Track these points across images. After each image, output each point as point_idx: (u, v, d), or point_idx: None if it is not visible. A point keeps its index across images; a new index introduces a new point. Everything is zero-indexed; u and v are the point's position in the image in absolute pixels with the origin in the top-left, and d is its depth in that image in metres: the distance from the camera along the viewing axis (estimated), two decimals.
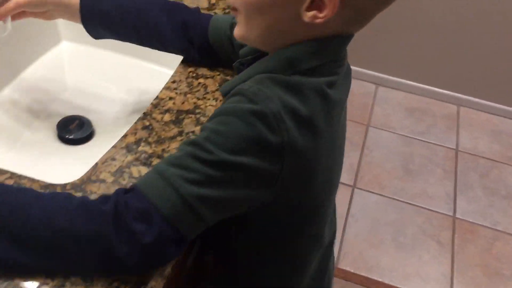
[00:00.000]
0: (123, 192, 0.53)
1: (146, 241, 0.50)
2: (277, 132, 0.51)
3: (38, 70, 1.01)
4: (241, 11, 0.57)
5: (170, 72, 1.03)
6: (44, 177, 0.66)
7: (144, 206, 0.51)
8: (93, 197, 0.63)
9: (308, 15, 0.53)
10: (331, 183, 0.66)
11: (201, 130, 0.54)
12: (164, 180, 0.51)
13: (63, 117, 0.93)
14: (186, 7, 0.79)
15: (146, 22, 0.75)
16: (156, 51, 0.89)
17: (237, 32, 0.59)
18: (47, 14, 0.78)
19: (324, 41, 0.55)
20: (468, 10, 1.93)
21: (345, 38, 0.58)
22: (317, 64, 0.55)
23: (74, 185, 0.64)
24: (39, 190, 0.63)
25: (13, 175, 0.64)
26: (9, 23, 0.76)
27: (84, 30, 1.07)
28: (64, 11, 0.77)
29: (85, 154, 0.90)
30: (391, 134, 2.04)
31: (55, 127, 0.92)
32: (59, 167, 0.86)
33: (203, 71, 0.84)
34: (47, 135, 0.92)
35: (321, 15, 0.52)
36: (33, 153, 0.89)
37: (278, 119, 0.51)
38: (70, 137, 0.91)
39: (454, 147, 2.01)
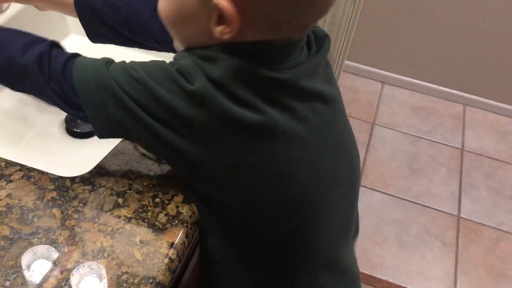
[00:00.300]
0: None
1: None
2: (192, 82, 0.52)
3: None
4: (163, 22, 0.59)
5: None
6: (53, 170, 0.66)
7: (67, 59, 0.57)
8: (101, 190, 0.63)
9: (217, 30, 0.52)
10: (319, 177, 0.62)
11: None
12: (96, 64, 0.57)
13: None
14: None
15: (136, 16, 0.74)
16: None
17: (174, 41, 0.61)
18: (38, 7, 0.79)
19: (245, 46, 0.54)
20: (476, 8, 1.92)
21: (278, 51, 0.55)
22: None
23: (83, 178, 0.64)
24: (49, 183, 0.63)
25: (22, 167, 0.65)
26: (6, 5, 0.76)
27: None
28: (58, 8, 0.77)
29: (92, 147, 0.90)
30: (397, 132, 2.03)
31: (63, 120, 0.93)
32: (68, 160, 0.87)
33: None
34: (55, 128, 0.92)
35: (227, 29, 0.52)
36: (42, 146, 0.89)
37: (193, 71, 0.53)
38: (78, 130, 0.92)
39: (460, 147, 2.00)
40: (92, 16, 0.74)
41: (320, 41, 0.61)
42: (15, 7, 0.95)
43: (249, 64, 0.53)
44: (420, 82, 2.19)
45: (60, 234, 0.58)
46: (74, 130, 0.91)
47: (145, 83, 0.53)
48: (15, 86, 0.63)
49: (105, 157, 0.68)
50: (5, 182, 0.62)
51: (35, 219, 0.59)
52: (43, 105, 0.96)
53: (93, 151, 0.89)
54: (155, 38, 0.73)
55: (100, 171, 0.66)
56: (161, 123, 0.54)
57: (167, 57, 0.94)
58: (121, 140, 0.71)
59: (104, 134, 0.58)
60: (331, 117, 0.61)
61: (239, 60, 0.52)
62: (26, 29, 0.96)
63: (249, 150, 0.55)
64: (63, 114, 0.93)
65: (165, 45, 0.75)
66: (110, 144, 0.86)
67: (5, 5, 0.80)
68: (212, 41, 0.53)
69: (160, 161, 0.68)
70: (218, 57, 0.53)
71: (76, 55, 0.59)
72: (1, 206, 0.60)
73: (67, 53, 0.59)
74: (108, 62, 0.57)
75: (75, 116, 0.59)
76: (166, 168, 0.67)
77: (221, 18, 0.51)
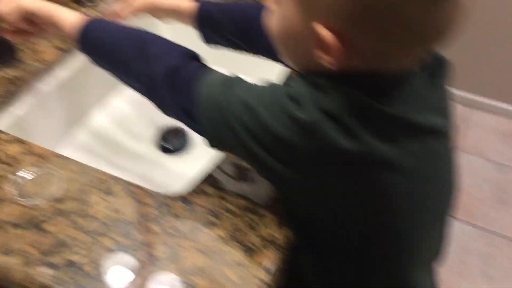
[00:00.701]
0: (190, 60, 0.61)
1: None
2: (302, 109, 0.51)
3: None
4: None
5: None
6: (149, 185, 0.68)
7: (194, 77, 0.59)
8: (197, 209, 0.65)
9: (317, 54, 0.52)
10: (417, 211, 0.60)
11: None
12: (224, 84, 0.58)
13: (163, 127, 0.97)
14: None
15: (250, 28, 0.77)
16: (254, 64, 0.92)
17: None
18: (161, 19, 0.84)
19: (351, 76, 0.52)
20: None
21: (391, 84, 0.53)
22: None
23: (181, 196, 0.66)
24: (149, 199, 0.66)
25: (124, 182, 0.67)
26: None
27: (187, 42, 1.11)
28: (180, 20, 0.81)
29: (185, 163, 0.93)
30: (484, 160, 1.93)
31: (156, 136, 0.96)
32: (162, 175, 0.90)
33: None
34: (148, 143, 0.96)
35: (330, 59, 0.51)
36: (136, 161, 0.93)
37: (305, 98, 0.52)
38: (169, 146, 0.95)
39: None
40: (209, 25, 0.78)
41: (437, 67, 0.59)
42: None
43: (360, 95, 0.51)
44: (510, 107, 2.08)
45: (158, 250, 0.60)
46: (167, 147, 0.94)
47: (255, 110, 0.54)
48: (136, 86, 0.65)
49: (201, 177, 0.70)
50: (109, 197, 0.65)
51: (136, 233, 0.61)
52: (138, 120, 1.00)
53: (186, 167, 0.92)
54: (267, 50, 0.75)
55: (196, 189, 0.67)
56: (262, 147, 0.55)
57: (258, 69, 0.95)
58: (216, 161, 0.72)
59: (214, 147, 0.60)
60: (439, 151, 0.59)
61: (351, 91, 0.52)
62: None
63: (351, 180, 0.54)
64: (156, 130, 0.97)
65: (276, 57, 0.76)
66: (202, 160, 0.88)
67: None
68: (318, 67, 0.53)
69: (253, 183, 0.69)
70: (330, 86, 0.52)
71: (206, 69, 0.60)
72: (105, 219, 0.63)
73: (197, 65, 0.61)
74: (231, 82, 0.58)
75: (190, 126, 0.61)
76: (260, 190, 0.68)
77: (323, 45, 0.50)
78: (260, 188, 0.68)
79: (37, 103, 0.85)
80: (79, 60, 0.92)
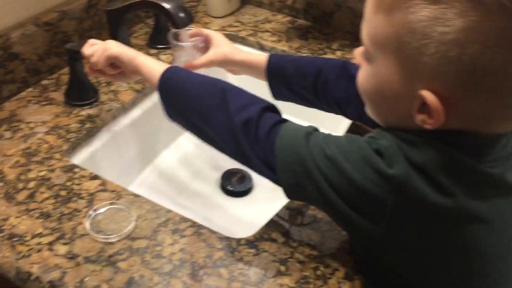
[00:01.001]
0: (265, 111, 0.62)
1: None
2: (391, 164, 0.51)
3: None
4: (360, 94, 0.59)
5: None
6: (210, 225, 0.69)
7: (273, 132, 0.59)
8: (264, 255, 0.65)
9: (418, 118, 0.51)
10: (502, 268, 0.59)
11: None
12: (304, 136, 0.58)
13: (226, 169, 0.99)
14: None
15: (323, 81, 0.79)
16: (318, 114, 0.93)
17: (366, 107, 0.60)
18: (233, 71, 0.87)
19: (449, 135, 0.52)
20: None
21: (484, 143, 0.52)
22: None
23: (248, 240, 0.67)
24: (217, 242, 0.66)
25: (194, 224, 0.69)
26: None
27: (250, 88, 1.14)
28: (249, 72, 0.84)
29: (244, 206, 0.94)
30: None
31: (219, 178, 0.98)
32: (222, 216, 0.91)
33: None
34: (211, 185, 0.98)
35: (429, 121, 0.50)
36: (199, 200, 0.95)
37: (394, 153, 0.51)
38: (232, 189, 0.96)
39: None
40: (280, 79, 0.80)
41: None
42: None
43: (454, 152, 0.51)
44: None
45: None
46: (229, 189, 0.96)
47: (337, 162, 0.54)
48: (212, 136, 0.66)
49: (268, 222, 0.70)
50: (179, 237, 0.67)
51: (205, 277, 0.62)
52: (202, 161, 1.03)
53: (249, 211, 0.92)
54: (338, 103, 0.76)
55: (263, 235, 0.68)
56: (348, 204, 0.54)
57: (314, 115, 0.96)
58: (283, 207, 0.73)
59: (291, 198, 0.61)
60: None
61: (444, 148, 0.51)
62: None
63: (440, 236, 0.54)
64: (219, 172, 0.98)
65: (346, 111, 0.77)
66: (265, 204, 0.89)
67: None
68: (410, 124, 0.53)
69: (319, 231, 0.68)
70: (420, 142, 0.52)
71: (283, 121, 0.62)
72: (175, 260, 0.64)
73: (274, 117, 0.62)
74: (310, 133, 0.58)
75: (267, 177, 0.61)
76: (327, 240, 0.67)
77: (424, 107, 0.50)
78: (327, 236, 0.68)
79: (112, 141, 0.89)
80: (152, 101, 0.96)
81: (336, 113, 0.80)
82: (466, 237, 0.54)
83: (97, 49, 0.76)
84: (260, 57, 0.82)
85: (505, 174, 0.54)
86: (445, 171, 0.51)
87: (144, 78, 0.73)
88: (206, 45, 0.85)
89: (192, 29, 0.86)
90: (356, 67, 0.76)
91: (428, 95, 0.49)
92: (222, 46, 0.83)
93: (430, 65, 0.48)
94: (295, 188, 0.58)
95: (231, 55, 0.83)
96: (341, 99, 0.76)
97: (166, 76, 0.69)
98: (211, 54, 0.83)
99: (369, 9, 0.53)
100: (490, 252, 0.56)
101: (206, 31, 0.85)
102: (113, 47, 0.75)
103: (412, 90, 0.50)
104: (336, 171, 0.54)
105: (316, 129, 0.60)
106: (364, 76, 0.57)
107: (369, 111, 0.60)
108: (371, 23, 0.53)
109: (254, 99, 0.64)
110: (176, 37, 0.85)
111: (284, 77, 0.79)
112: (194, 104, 0.66)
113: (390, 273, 0.61)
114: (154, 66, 0.71)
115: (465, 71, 0.47)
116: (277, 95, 0.82)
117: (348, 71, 0.76)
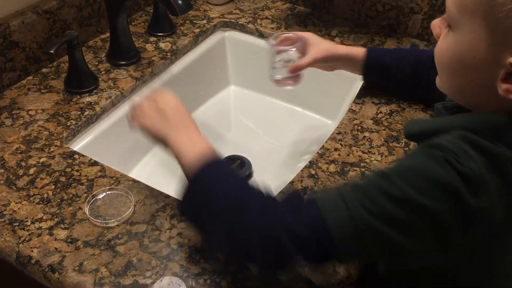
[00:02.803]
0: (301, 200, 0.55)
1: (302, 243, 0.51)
2: (477, 196, 0.48)
3: (209, 110, 1.10)
4: (436, 65, 0.57)
5: (329, 122, 1.06)
6: None
7: (315, 218, 0.52)
8: None
9: (502, 87, 0.49)
10: None
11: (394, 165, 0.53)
12: (343, 201, 0.51)
13: (226, 156, 0.99)
14: None
15: (419, 73, 0.80)
16: (318, 102, 0.93)
17: (437, 79, 0.59)
18: (330, 67, 0.88)
19: None
20: None
21: None
22: None
23: None
24: None
25: None
26: (301, 76, 0.86)
27: (250, 76, 1.15)
28: (347, 65, 0.86)
29: None
30: None
31: None
32: None
33: (368, 124, 0.85)
34: None
35: None
36: None
37: (480, 181, 0.48)
38: None
39: None
40: (377, 71, 0.82)
41: None
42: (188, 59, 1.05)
43: None
44: None
45: (223, 278, 0.61)
46: None
47: (411, 200, 0.48)
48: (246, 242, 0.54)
49: None
50: (176, 221, 0.68)
51: (202, 260, 0.63)
52: None
53: None
54: (431, 96, 0.75)
55: None
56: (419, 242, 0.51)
57: (326, 107, 0.96)
58: (280, 192, 0.73)
59: (345, 261, 0.59)
60: None
61: None
62: (192, 79, 1.06)
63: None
64: None
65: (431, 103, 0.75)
66: None
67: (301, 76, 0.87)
68: (488, 97, 0.51)
69: None
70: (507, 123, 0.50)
71: (315, 198, 0.54)
72: (173, 244, 0.65)
73: (306, 203, 0.54)
74: (342, 194, 0.52)
75: (324, 257, 0.55)
76: None
77: (510, 76, 0.48)
78: None
79: (111, 128, 0.89)
80: (152, 88, 0.96)
81: (425, 104, 0.84)
82: None
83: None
84: (359, 50, 0.85)
85: None
86: None
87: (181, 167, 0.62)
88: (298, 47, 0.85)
89: (284, 33, 0.87)
90: None
91: None
92: (322, 44, 0.85)
93: None
94: (358, 252, 0.53)
95: (334, 50, 0.85)
96: (432, 91, 0.70)
97: (201, 178, 0.58)
98: (314, 53, 0.83)
99: None
100: None
101: (300, 33, 0.86)
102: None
103: (498, 58, 0.48)
104: (413, 211, 0.49)
105: (344, 189, 0.53)
106: (444, 46, 0.54)
107: (443, 84, 0.57)
108: None
109: (266, 204, 0.56)
110: (275, 39, 0.85)
111: (381, 68, 0.81)
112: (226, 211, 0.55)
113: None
114: (193, 154, 0.60)
115: None
116: (370, 81, 0.84)
117: None
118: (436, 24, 0.57)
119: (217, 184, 0.57)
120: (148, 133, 0.66)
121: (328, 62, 0.86)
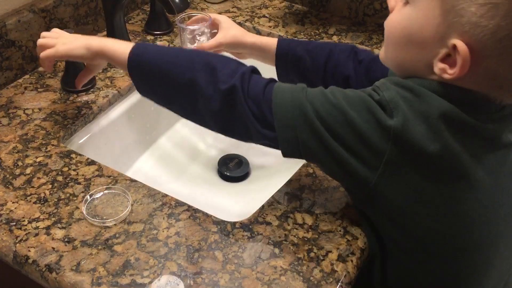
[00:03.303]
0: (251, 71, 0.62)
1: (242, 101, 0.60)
2: (392, 116, 0.53)
3: None
4: (385, 36, 0.60)
5: None
6: (207, 211, 0.70)
7: (267, 91, 0.60)
8: (259, 238, 0.66)
9: (438, 66, 0.53)
10: (494, 225, 0.61)
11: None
12: (294, 90, 0.59)
13: (224, 155, 0.99)
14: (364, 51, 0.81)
15: (333, 64, 0.80)
16: None
17: (380, 52, 0.62)
18: (241, 55, 0.86)
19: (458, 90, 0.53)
20: None
21: (485, 103, 0.54)
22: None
23: (243, 224, 0.67)
24: (212, 225, 0.67)
25: (189, 207, 0.70)
26: None
27: None
28: (258, 55, 0.84)
29: (241, 191, 0.95)
30: None
31: (216, 163, 0.98)
32: (218, 200, 0.92)
33: None
34: (208, 170, 0.99)
35: (450, 71, 0.51)
36: (196, 185, 0.95)
37: (393, 106, 0.53)
38: (230, 174, 0.97)
39: None
40: (289, 62, 0.80)
41: None
42: None
43: (455, 108, 0.53)
44: None
45: (221, 277, 0.61)
46: (226, 174, 0.96)
47: (343, 109, 0.55)
48: (195, 106, 0.64)
49: (263, 206, 0.71)
50: (174, 220, 0.68)
51: (199, 259, 0.63)
52: (200, 145, 1.03)
53: (245, 196, 0.93)
54: (347, 82, 0.77)
55: (258, 218, 0.68)
56: (348, 151, 0.56)
57: None
58: (278, 191, 0.73)
59: (288, 154, 0.61)
60: None
61: (446, 102, 0.53)
62: None
63: (431, 188, 0.56)
64: (216, 157, 0.99)
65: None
66: (255, 190, 0.90)
67: None
68: (425, 72, 0.54)
69: (312, 214, 0.69)
70: (425, 93, 0.53)
71: (274, 80, 0.63)
72: (171, 243, 0.65)
73: (263, 78, 0.63)
74: (305, 88, 0.60)
75: (264, 136, 0.61)
76: (321, 223, 0.68)
77: (448, 57, 0.51)
78: (320, 219, 0.68)
79: (108, 128, 0.89)
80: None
81: None
82: (456, 191, 0.56)
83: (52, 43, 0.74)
84: (270, 40, 0.82)
85: (504, 134, 0.56)
86: (444, 124, 0.52)
87: (116, 63, 0.71)
88: (213, 30, 0.84)
89: (199, 14, 0.85)
90: (363, 52, 0.78)
91: (461, 45, 0.49)
92: (231, 29, 0.83)
93: (476, 15, 0.48)
94: (293, 143, 0.59)
95: (241, 38, 0.82)
96: (350, 78, 0.76)
97: (134, 54, 0.67)
98: (220, 37, 0.82)
99: None
100: (478, 212, 0.58)
101: (213, 15, 0.85)
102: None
103: (444, 38, 0.51)
104: (340, 119, 0.55)
105: (306, 86, 0.61)
106: (398, 18, 0.57)
107: (386, 55, 0.60)
108: None
109: (239, 64, 0.64)
110: (183, 21, 0.85)
111: (294, 59, 0.80)
112: (175, 75, 0.64)
113: (388, 231, 0.63)
114: (122, 48, 0.69)
115: (506, 28, 0.47)
116: (283, 78, 0.82)
117: (356, 54, 0.77)
118: None
119: (155, 52, 0.67)
120: (71, 53, 0.72)
121: (235, 49, 0.84)
